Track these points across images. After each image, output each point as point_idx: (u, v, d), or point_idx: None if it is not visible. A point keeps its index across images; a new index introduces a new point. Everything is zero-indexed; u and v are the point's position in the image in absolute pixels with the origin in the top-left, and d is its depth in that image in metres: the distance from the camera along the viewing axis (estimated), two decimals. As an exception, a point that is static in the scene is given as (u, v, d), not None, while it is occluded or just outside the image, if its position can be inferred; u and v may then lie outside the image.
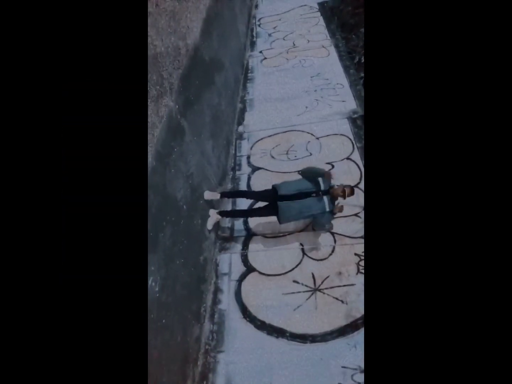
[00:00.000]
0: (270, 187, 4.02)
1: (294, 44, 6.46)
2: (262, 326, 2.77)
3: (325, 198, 2.76)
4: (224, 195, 3.37)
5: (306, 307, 2.82)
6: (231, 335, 2.77)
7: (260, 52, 6.49)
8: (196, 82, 3.18)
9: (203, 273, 2.96)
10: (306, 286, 2.96)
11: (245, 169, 4.17)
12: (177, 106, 2.60)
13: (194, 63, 3.16)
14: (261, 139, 4.51)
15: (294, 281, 3.00)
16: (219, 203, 3.56)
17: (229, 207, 3.71)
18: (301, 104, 4.91)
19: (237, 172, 4.16)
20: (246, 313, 2.87)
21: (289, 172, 3.98)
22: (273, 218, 2.96)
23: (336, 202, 2.84)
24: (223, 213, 3.34)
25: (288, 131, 4.53)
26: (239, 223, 3.59)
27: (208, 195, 3.21)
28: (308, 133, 4.43)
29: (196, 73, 3.21)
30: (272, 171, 4.06)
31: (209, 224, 3.18)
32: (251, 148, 4.42)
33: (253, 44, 6.83)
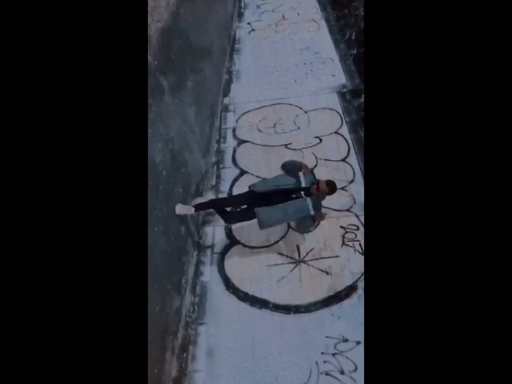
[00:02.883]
0: (255, 162, 3.92)
1: (283, 17, 6.20)
2: (245, 297, 2.70)
3: (308, 200, 2.40)
4: (198, 207, 2.85)
5: (290, 279, 2.76)
6: (213, 307, 2.69)
7: (248, 23, 6.19)
8: (178, 41, 2.95)
9: (184, 244, 2.83)
10: (290, 258, 2.89)
11: (231, 141, 4.01)
12: (156, 62, 2.39)
13: (175, 20, 2.91)
14: (248, 111, 4.33)
15: (279, 253, 2.93)
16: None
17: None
18: (289, 77, 4.73)
19: (222, 145, 3.99)
20: (229, 285, 2.79)
21: (276, 146, 3.86)
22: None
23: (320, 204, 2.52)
24: (199, 207, 2.85)
25: (275, 104, 4.36)
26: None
27: (180, 209, 2.69)
28: (296, 106, 4.28)
29: (178, 31, 2.98)
30: (259, 144, 3.92)
31: (178, 210, 2.67)
32: (237, 121, 4.24)
33: (241, 15, 6.51)
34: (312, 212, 2.42)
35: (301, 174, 2.48)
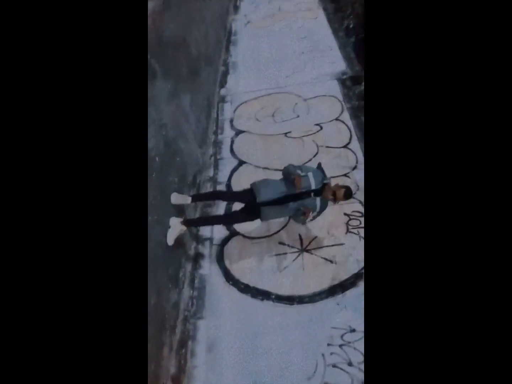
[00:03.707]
0: (254, 152, 3.80)
1: (280, 8, 6.10)
2: (246, 289, 2.57)
3: (317, 200, 2.24)
4: (195, 198, 2.73)
5: (292, 269, 2.64)
6: (213, 300, 2.56)
7: (244, 15, 6.10)
8: (170, 26, 2.84)
9: (181, 235, 2.70)
10: (292, 247, 2.76)
11: (228, 132, 3.90)
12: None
13: (168, 3, 2.81)
14: (245, 102, 4.22)
15: (280, 243, 2.81)
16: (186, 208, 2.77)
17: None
18: (288, 67, 4.62)
19: (220, 136, 3.88)
20: (229, 277, 2.66)
21: (275, 135, 3.74)
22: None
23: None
24: (189, 222, 2.60)
25: (274, 93, 4.26)
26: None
27: (176, 198, 2.53)
28: (295, 95, 4.16)
29: (171, 15, 2.88)
30: (257, 134, 3.80)
31: (170, 239, 2.40)
32: (234, 111, 4.13)
33: (236, 8, 6.42)
34: (317, 209, 2.28)
35: (310, 174, 2.25)
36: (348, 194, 2.24)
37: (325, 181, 2.28)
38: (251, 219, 2.44)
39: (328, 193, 2.22)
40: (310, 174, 2.24)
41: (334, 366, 2.11)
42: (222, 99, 4.33)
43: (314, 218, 2.35)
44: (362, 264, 2.56)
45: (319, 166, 2.41)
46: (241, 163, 3.54)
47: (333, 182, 2.37)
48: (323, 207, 2.31)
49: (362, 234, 2.73)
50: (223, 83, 4.57)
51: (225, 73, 4.74)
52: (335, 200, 2.23)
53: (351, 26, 5.58)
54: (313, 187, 2.22)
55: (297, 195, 2.24)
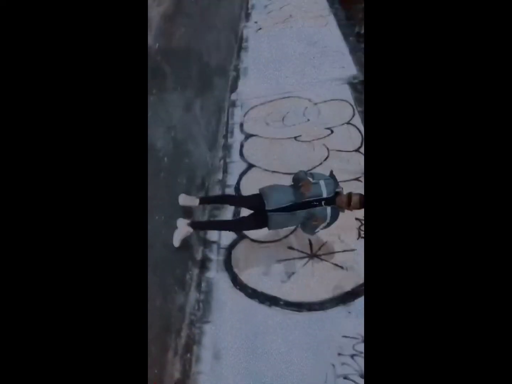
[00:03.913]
0: (263, 155, 3.77)
1: (290, 15, 6.13)
2: (253, 294, 2.51)
3: (328, 209, 2.13)
4: (203, 200, 2.72)
5: (302, 274, 2.56)
6: (220, 305, 2.51)
7: (255, 22, 6.16)
8: (181, 30, 2.87)
9: (189, 237, 2.67)
10: (302, 252, 2.69)
11: (238, 136, 3.88)
12: (157, 45, 2.31)
13: (179, 8, 2.85)
14: (256, 106, 4.22)
15: (290, 248, 2.74)
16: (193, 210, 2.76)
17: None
18: (298, 71, 4.61)
19: (229, 139, 3.87)
20: (236, 281, 2.61)
21: (284, 139, 3.71)
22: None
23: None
24: (196, 225, 2.59)
25: (284, 97, 4.24)
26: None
27: (184, 199, 2.54)
28: (305, 99, 4.14)
29: (181, 19, 2.91)
30: (267, 138, 3.78)
31: (176, 240, 2.39)
32: (244, 115, 4.13)
33: (248, 16, 6.50)
34: (328, 220, 2.16)
35: (322, 183, 2.15)
36: (363, 201, 2.10)
37: (337, 190, 2.17)
38: (259, 227, 2.35)
39: (341, 202, 2.11)
40: (321, 182, 2.14)
41: (345, 377, 2.01)
42: (233, 104, 4.34)
43: (324, 228, 2.24)
44: (374, 271, 2.47)
45: (332, 174, 2.32)
46: (250, 166, 3.51)
47: (344, 186, 2.30)
48: (334, 217, 2.19)
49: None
50: (233, 88, 4.58)
51: (236, 78, 4.77)
52: (350, 208, 2.13)
53: (362, 31, 5.57)
54: (324, 195, 2.12)
55: (307, 204, 2.14)
